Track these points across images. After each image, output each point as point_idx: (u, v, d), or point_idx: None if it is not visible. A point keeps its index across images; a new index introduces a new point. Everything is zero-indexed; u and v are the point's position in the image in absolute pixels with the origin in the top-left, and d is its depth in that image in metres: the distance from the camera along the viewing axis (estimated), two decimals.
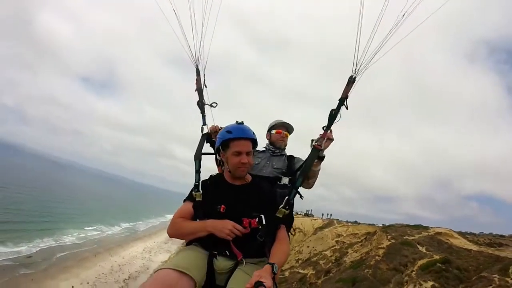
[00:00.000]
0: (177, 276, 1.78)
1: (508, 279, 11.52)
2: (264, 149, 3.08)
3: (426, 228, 24.11)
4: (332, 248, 31.71)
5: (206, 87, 2.86)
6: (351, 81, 2.36)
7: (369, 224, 41.08)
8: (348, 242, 31.75)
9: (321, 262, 28.17)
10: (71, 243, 39.06)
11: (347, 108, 2.40)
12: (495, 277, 12.08)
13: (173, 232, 2.18)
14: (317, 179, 2.70)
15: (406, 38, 2.17)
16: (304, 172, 2.43)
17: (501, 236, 36.04)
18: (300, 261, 32.52)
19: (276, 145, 3.03)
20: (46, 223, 42.71)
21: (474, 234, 36.33)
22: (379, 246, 20.39)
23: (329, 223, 41.08)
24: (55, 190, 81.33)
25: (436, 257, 16.16)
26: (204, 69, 2.84)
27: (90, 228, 49.89)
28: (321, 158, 2.53)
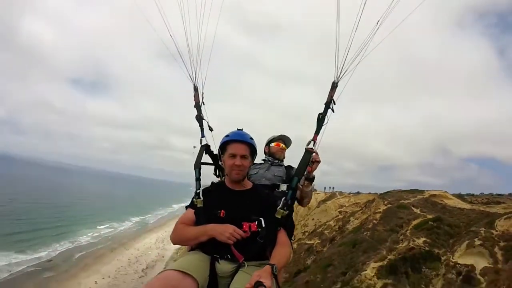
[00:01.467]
0: (180, 277, 1.82)
1: (493, 231, 12.62)
2: (263, 161, 3.26)
3: (421, 192, 25.27)
4: (336, 218, 33.32)
5: (204, 104, 2.91)
6: (335, 86, 2.50)
7: (370, 193, 42.37)
8: (350, 211, 33.24)
9: (325, 232, 29.76)
10: (87, 242, 40.93)
11: (333, 111, 2.52)
12: (482, 230, 13.19)
13: (176, 238, 2.22)
14: (311, 198, 2.92)
15: (395, 19, 2.22)
16: (299, 172, 2.50)
17: (499, 195, 37.41)
18: (306, 233, 34.37)
19: (276, 156, 3.22)
20: (60, 228, 44.07)
21: (473, 195, 37.37)
22: (377, 211, 21.66)
23: (332, 195, 42.42)
24: (61, 195, 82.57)
25: (429, 216, 17.36)
26: (203, 87, 2.89)
27: (102, 226, 51.85)
28: (311, 180, 2.68)
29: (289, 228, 2.46)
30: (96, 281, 27.70)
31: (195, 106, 2.88)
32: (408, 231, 15.69)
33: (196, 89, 2.88)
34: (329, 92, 2.51)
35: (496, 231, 12.30)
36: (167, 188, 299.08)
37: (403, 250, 13.88)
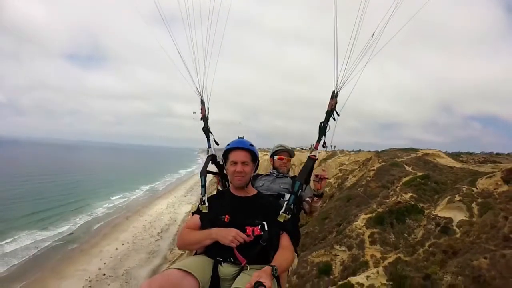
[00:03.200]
0: (182, 275, 1.86)
1: (474, 188, 13.37)
2: (269, 173, 3.28)
3: (415, 150, 25.78)
4: (336, 176, 34.69)
5: (208, 115, 3.02)
6: (335, 95, 2.53)
7: (370, 151, 42.94)
8: (350, 169, 34.42)
9: (326, 189, 31.21)
10: (103, 214, 43.44)
11: (334, 119, 2.56)
12: (464, 187, 13.95)
13: (181, 242, 2.27)
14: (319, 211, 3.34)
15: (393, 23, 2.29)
16: (301, 176, 2.54)
17: (498, 154, 37.49)
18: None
19: (279, 170, 3.23)
20: (76, 203, 46.55)
21: (472, 154, 37.48)
22: (371, 168, 22.50)
23: (333, 154, 43.32)
24: (71, 171, 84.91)
25: (419, 174, 18.11)
26: (208, 101, 2.99)
27: (115, 197, 54.43)
28: (320, 196, 2.74)
29: (295, 237, 2.43)
30: (116, 248, 30.17)
31: (201, 119, 2.98)
32: (398, 187, 16.61)
33: (202, 103, 2.97)
34: (329, 101, 2.54)
35: (477, 188, 13.04)
36: (172, 154, 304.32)
37: (390, 204, 14.90)
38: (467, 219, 11.66)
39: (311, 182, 2.72)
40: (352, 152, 44.94)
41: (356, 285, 10.71)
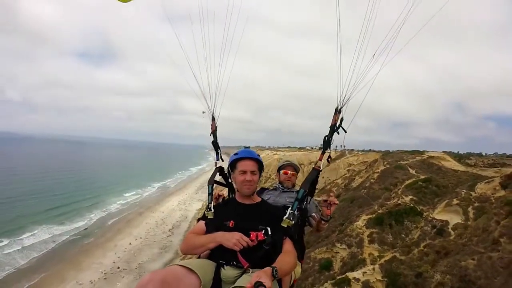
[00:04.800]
0: (185, 272, 1.89)
1: (472, 193, 13.71)
2: (275, 187, 3.36)
3: (421, 153, 25.83)
4: (343, 176, 35.02)
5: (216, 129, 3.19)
6: (338, 111, 2.60)
7: (381, 151, 42.54)
8: (358, 169, 34.68)
9: (333, 189, 31.69)
10: (116, 210, 45.11)
11: (338, 133, 2.63)
12: (463, 191, 14.28)
13: (185, 246, 2.31)
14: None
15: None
16: (305, 184, 2.54)
17: (509, 156, 36.35)
18: (316, 191, 36.81)
19: (284, 185, 3.30)
20: (91, 199, 48.51)
21: (482, 156, 36.32)
22: (376, 171, 22.84)
23: (342, 154, 43.55)
24: (85, 168, 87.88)
25: (422, 177, 18.41)
26: (218, 117, 3.15)
27: (128, 194, 56.23)
28: (328, 220, 2.76)
29: (299, 247, 2.47)
30: (130, 242, 31.56)
31: (211, 134, 3.14)
32: (400, 190, 17.03)
33: (213, 119, 3.11)
34: (333, 117, 2.61)
35: (475, 193, 13.36)
36: (183, 151, 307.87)
37: (391, 206, 15.38)
38: (462, 222, 12.06)
39: (322, 208, 2.72)
40: (361, 153, 44.95)
41: (353, 280, 11.42)
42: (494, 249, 8.98)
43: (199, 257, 2.31)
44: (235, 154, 2.40)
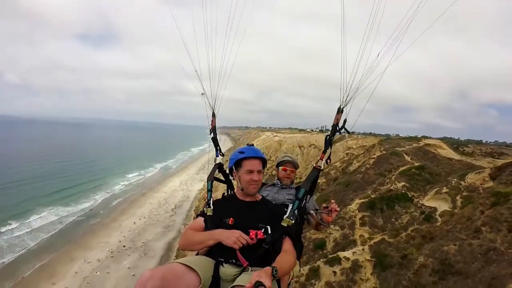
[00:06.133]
0: (185, 270, 1.89)
1: (462, 182, 14.05)
2: (273, 184, 3.33)
3: (418, 140, 25.85)
4: (342, 160, 35.35)
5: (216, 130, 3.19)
6: (340, 110, 2.55)
7: (381, 135, 42.48)
8: (356, 153, 34.95)
9: (331, 172, 32.32)
10: (120, 191, 46.45)
11: (340, 133, 2.62)
12: (454, 180, 14.61)
13: (184, 242, 2.30)
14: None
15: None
16: (305, 184, 2.54)
17: (507, 146, 36.03)
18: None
19: (282, 182, 3.26)
20: (95, 181, 49.74)
21: (481, 143, 36.01)
22: (372, 156, 23.10)
23: (341, 137, 43.60)
24: (87, 149, 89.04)
25: (416, 164, 18.69)
26: (217, 112, 3.15)
27: (131, 175, 57.48)
28: (327, 226, 2.81)
29: (297, 245, 2.46)
30: (134, 222, 32.83)
31: (210, 131, 3.14)
32: (394, 176, 17.43)
33: (214, 115, 3.12)
34: (335, 116, 2.57)
35: (465, 182, 13.72)
36: (184, 132, 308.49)
37: (383, 191, 15.87)
38: (449, 210, 12.55)
39: (322, 214, 2.71)
40: (360, 136, 45.00)
41: (343, 259, 12.21)
42: (475, 236, 9.49)
43: (197, 254, 2.31)
44: (240, 152, 2.33)
